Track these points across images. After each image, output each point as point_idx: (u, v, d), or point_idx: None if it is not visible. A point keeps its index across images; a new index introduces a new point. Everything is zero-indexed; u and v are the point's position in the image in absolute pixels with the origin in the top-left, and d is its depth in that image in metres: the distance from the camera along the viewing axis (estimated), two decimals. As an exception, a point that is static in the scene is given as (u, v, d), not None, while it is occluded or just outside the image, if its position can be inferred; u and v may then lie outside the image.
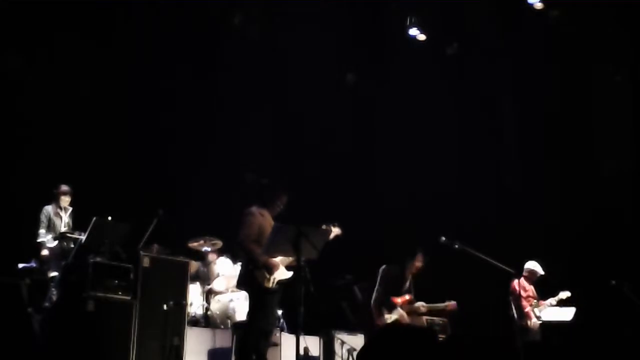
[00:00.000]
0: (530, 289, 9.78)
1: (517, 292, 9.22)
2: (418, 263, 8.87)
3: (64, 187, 9.34)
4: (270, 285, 6.86)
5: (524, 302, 9.41)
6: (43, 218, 9.20)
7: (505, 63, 11.63)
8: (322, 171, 11.78)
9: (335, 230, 7.43)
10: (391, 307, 8.62)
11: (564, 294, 9.72)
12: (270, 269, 6.85)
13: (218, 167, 11.23)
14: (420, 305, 8.89)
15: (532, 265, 9.84)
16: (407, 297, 8.82)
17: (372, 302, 8.66)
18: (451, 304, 9.00)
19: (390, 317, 8.61)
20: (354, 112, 12.31)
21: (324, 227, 7.24)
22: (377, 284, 8.71)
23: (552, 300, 9.70)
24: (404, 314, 8.67)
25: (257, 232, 6.93)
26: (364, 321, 8.75)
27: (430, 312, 9.01)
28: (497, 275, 8.35)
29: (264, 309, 6.92)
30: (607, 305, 9.93)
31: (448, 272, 10.45)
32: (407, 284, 8.91)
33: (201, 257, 9.50)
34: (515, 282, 9.38)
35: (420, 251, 8.88)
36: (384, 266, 8.87)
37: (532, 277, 9.80)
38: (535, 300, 9.73)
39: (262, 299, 6.91)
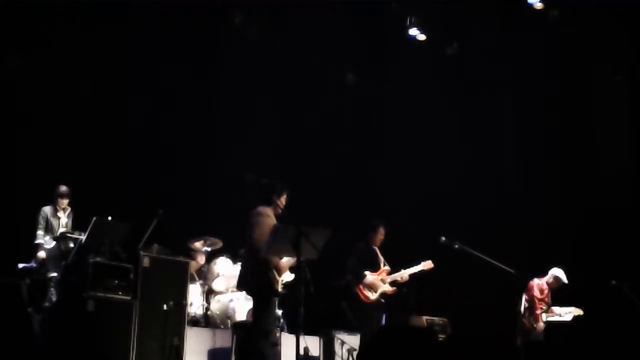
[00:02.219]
0: (547, 294, 9.72)
1: (536, 294, 9.23)
2: (380, 236, 8.89)
3: (62, 188, 9.31)
4: (279, 287, 6.90)
5: (537, 304, 9.39)
6: (40, 219, 9.19)
7: (505, 63, 11.63)
8: (322, 171, 11.78)
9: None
10: (362, 278, 8.65)
11: (577, 311, 9.63)
12: (280, 271, 6.89)
13: (218, 167, 11.22)
14: (402, 274, 8.85)
15: (559, 273, 9.71)
16: (385, 269, 8.83)
17: (348, 275, 8.68)
18: (427, 263, 8.91)
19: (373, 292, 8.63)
20: (354, 112, 12.32)
21: None
22: (348, 260, 8.79)
23: (562, 312, 9.66)
24: (376, 282, 8.64)
25: (268, 232, 6.93)
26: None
27: (412, 277, 8.93)
28: (497, 275, 8.37)
29: (268, 310, 6.94)
30: (607, 305, 9.93)
31: (448, 272, 10.46)
32: (380, 257, 8.90)
33: (193, 257, 9.47)
34: (536, 282, 9.37)
35: (381, 224, 8.90)
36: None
37: (555, 283, 9.71)
38: (546, 306, 9.68)
39: (268, 300, 6.92)
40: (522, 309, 9.37)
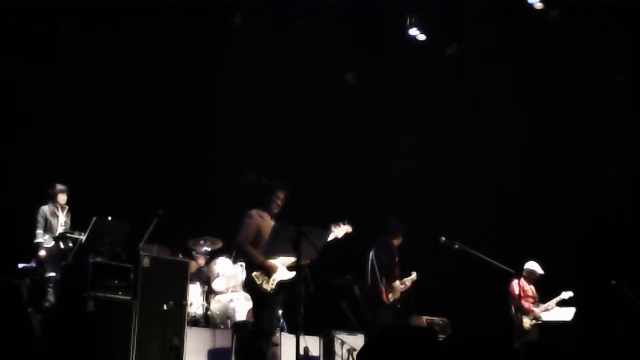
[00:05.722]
0: (530, 289, 9.83)
1: (516, 292, 9.26)
2: (399, 240, 9.00)
3: (60, 186, 9.34)
4: (269, 286, 6.87)
5: (523, 302, 9.42)
6: (40, 218, 9.19)
7: (505, 63, 11.63)
8: (322, 171, 11.78)
9: (346, 228, 7.49)
10: (394, 279, 8.77)
11: (566, 294, 9.75)
12: (268, 271, 6.86)
13: (218, 167, 11.23)
14: (412, 278, 9.11)
15: (531, 265, 9.87)
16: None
17: (380, 274, 8.70)
18: (412, 276, 9.11)
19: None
20: (354, 112, 12.31)
21: (333, 224, 7.31)
22: (381, 255, 8.80)
23: (553, 303, 9.75)
24: (398, 284, 8.81)
25: (254, 234, 6.97)
26: (366, 319, 8.80)
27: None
28: (497, 275, 8.36)
29: (264, 309, 6.94)
30: (607, 305, 9.94)
31: (448, 272, 10.46)
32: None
33: (193, 257, 9.49)
34: (515, 282, 9.40)
35: (401, 230, 9.02)
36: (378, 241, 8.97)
37: (531, 277, 9.85)
38: (535, 300, 9.76)
39: (262, 300, 6.92)
40: (513, 312, 9.43)
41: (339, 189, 11.59)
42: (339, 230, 7.48)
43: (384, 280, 8.66)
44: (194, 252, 9.50)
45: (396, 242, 8.98)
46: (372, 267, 8.78)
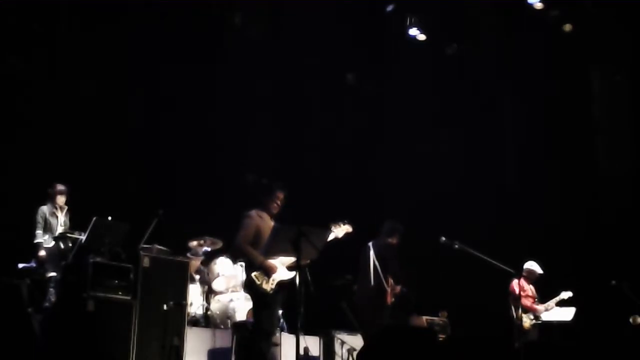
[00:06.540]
0: (530, 289, 9.83)
1: (516, 292, 9.27)
2: (396, 241, 9.03)
3: (60, 187, 9.33)
4: (269, 286, 6.87)
5: (524, 301, 9.43)
6: (39, 219, 9.19)
7: (505, 63, 11.63)
8: (322, 171, 11.78)
9: (346, 228, 7.49)
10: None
11: (566, 294, 9.76)
12: (268, 271, 6.87)
13: (218, 167, 11.22)
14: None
15: (531, 265, 9.87)
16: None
17: (385, 276, 8.77)
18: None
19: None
20: (355, 112, 12.32)
21: (333, 224, 7.33)
22: (389, 258, 8.88)
23: (553, 303, 9.76)
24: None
25: (253, 234, 6.97)
26: (366, 319, 8.82)
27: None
28: (497, 275, 8.37)
29: (264, 309, 6.94)
30: (607, 305, 9.94)
31: (448, 272, 10.47)
32: None
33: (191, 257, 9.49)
34: (514, 282, 9.41)
35: (398, 231, 9.03)
36: (373, 243, 8.98)
37: (531, 277, 9.85)
38: (534, 300, 9.78)
39: (262, 300, 6.93)
40: (513, 312, 9.44)
41: (339, 189, 11.58)
42: (339, 230, 7.48)
43: (389, 282, 8.70)
44: (189, 254, 9.48)
45: (394, 243, 8.99)
46: (375, 268, 8.79)
